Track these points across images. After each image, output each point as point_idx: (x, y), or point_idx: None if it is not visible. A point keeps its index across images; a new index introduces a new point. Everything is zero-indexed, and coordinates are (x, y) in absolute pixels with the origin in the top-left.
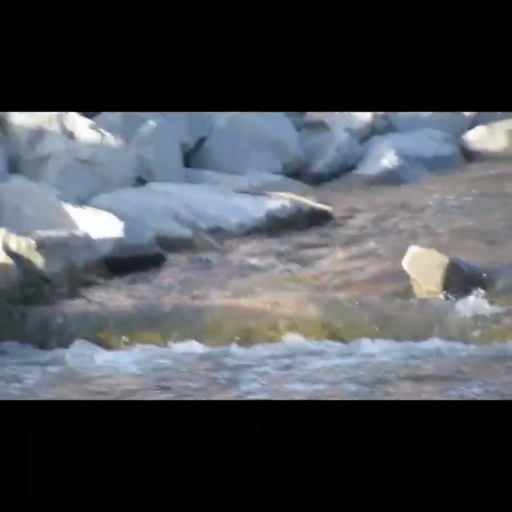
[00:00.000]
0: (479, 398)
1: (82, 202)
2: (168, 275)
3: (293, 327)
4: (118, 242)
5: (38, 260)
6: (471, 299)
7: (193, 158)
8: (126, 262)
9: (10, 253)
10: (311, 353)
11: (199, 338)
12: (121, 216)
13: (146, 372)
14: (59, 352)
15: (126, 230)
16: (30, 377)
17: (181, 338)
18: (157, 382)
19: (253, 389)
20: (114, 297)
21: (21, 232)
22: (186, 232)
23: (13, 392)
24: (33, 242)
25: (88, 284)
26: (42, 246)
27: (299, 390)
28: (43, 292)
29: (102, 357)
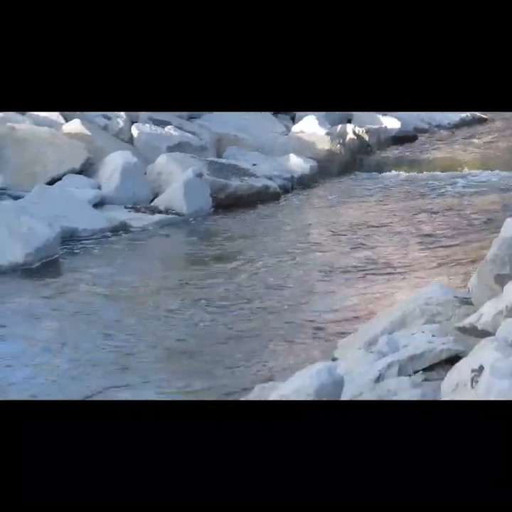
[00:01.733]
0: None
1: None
2: (421, 144)
3: (468, 165)
4: (398, 130)
5: (366, 137)
6: None
7: None
8: (400, 139)
9: (355, 134)
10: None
11: (431, 169)
12: (399, 119)
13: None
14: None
15: (402, 124)
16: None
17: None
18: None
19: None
20: (396, 153)
21: (359, 125)
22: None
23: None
24: (364, 129)
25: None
26: (368, 131)
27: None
28: (368, 150)
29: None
